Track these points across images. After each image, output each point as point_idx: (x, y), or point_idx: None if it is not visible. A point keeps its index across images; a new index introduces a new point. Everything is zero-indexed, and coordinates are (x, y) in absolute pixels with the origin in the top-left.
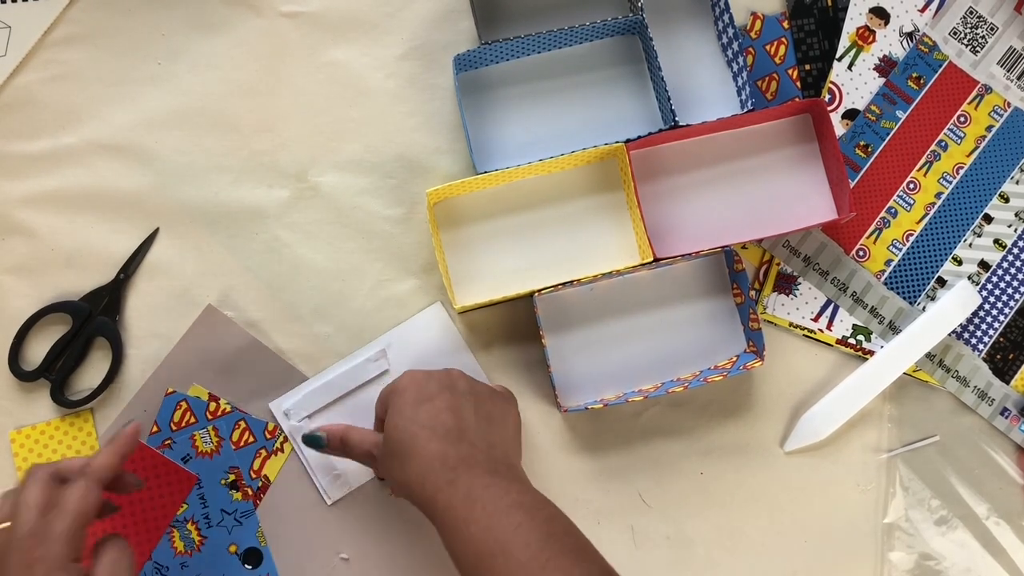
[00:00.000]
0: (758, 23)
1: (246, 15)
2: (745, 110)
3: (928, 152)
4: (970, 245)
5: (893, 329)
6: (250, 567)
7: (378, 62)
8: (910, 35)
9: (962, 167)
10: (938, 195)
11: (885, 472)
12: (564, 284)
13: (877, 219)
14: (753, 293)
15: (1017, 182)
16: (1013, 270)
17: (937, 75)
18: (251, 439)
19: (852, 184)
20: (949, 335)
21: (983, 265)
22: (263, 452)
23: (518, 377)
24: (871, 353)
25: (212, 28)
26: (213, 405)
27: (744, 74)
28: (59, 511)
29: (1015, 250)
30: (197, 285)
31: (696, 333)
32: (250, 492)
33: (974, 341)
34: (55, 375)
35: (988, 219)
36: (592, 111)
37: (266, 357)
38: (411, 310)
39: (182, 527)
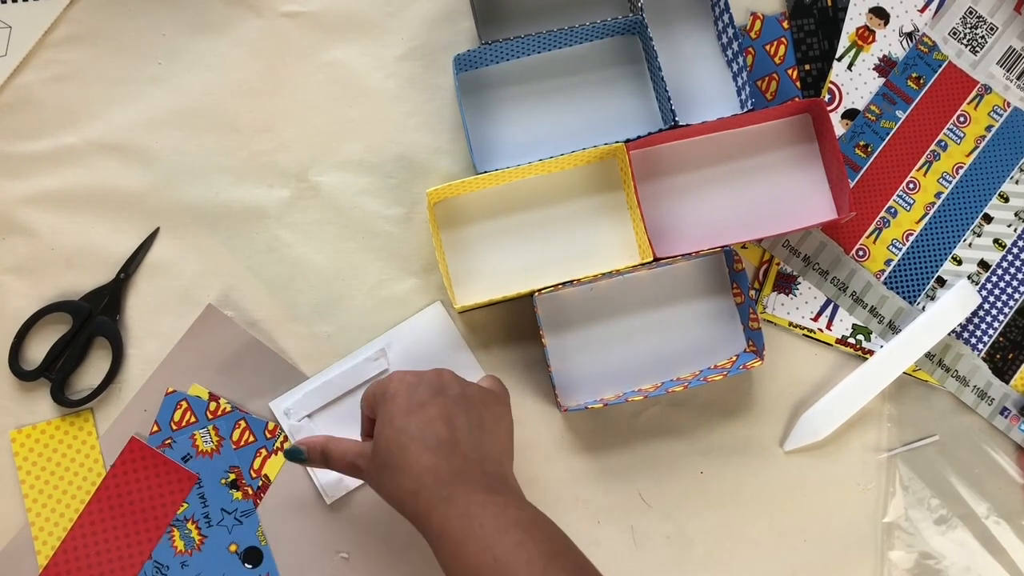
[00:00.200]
0: (758, 23)
1: (246, 15)
2: (745, 110)
3: (928, 152)
4: (970, 245)
5: (893, 329)
6: (250, 566)
7: (378, 62)
8: (910, 35)
9: (962, 167)
10: (938, 195)
11: (885, 471)
12: (564, 284)
13: (877, 219)
14: (753, 293)
15: (1017, 182)
16: (1013, 270)
17: (937, 75)
18: (251, 438)
19: (852, 184)
20: (949, 335)
21: (983, 265)
22: (263, 451)
23: (518, 377)
24: (871, 353)
25: (212, 28)
26: (213, 405)
27: (744, 74)
28: None
29: (1015, 250)
30: (197, 285)
31: (696, 333)
32: (250, 491)
33: (974, 341)
34: (55, 375)
35: (988, 219)
36: (592, 111)
37: (266, 357)
38: (411, 310)
39: (182, 526)
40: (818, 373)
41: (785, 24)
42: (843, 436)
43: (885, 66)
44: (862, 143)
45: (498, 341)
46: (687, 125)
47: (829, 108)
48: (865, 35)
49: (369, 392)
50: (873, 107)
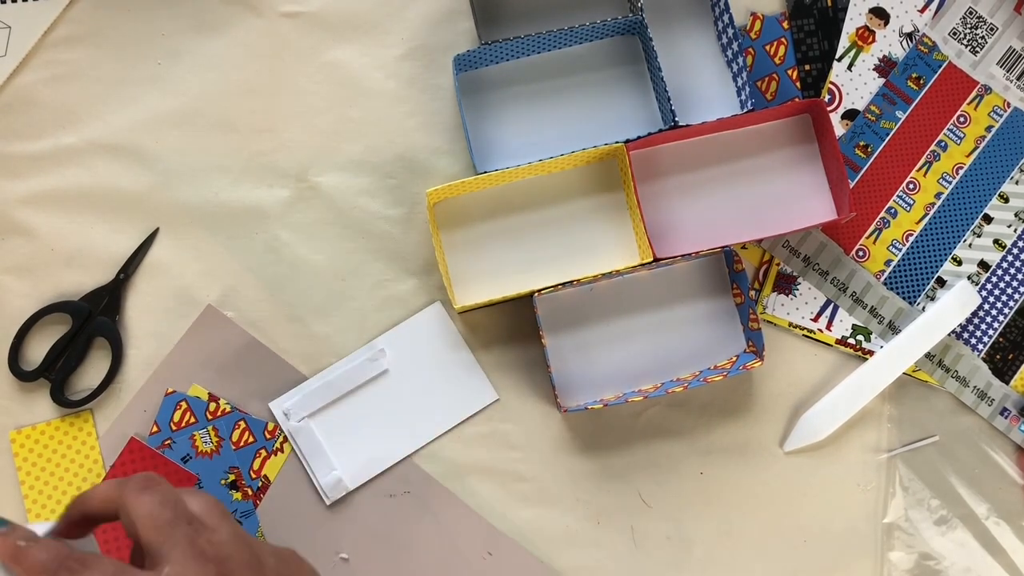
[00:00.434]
0: (758, 23)
1: (246, 15)
2: (745, 110)
3: (928, 152)
4: (970, 245)
5: (893, 329)
6: None
7: (378, 62)
8: (910, 35)
9: (962, 167)
10: (938, 195)
11: (885, 472)
12: (564, 284)
13: (877, 219)
14: (753, 293)
15: (1017, 182)
16: (1013, 270)
17: (937, 75)
18: (251, 439)
19: (852, 184)
20: (949, 335)
21: (983, 265)
22: (263, 452)
23: (518, 377)
24: (871, 353)
25: (212, 28)
26: (213, 405)
27: (744, 74)
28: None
29: (1015, 250)
30: (197, 285)
31: (696, 333)
32: (250, 492)
33: (974, 341)
34: (55, 375)
35: (988, 219)
36: (592, 111)
37: (266, 357)
38: (411, 310)
39: None
40: (818, 373)
41: (785, 24)
42: (843, 436)
43: (885, 66)
44: (862, 143)
45: (498, 341)
46: (687, 125)
47: (829, 108)
48: (865, 35)
49: (161, 518)
50: (873, 107)
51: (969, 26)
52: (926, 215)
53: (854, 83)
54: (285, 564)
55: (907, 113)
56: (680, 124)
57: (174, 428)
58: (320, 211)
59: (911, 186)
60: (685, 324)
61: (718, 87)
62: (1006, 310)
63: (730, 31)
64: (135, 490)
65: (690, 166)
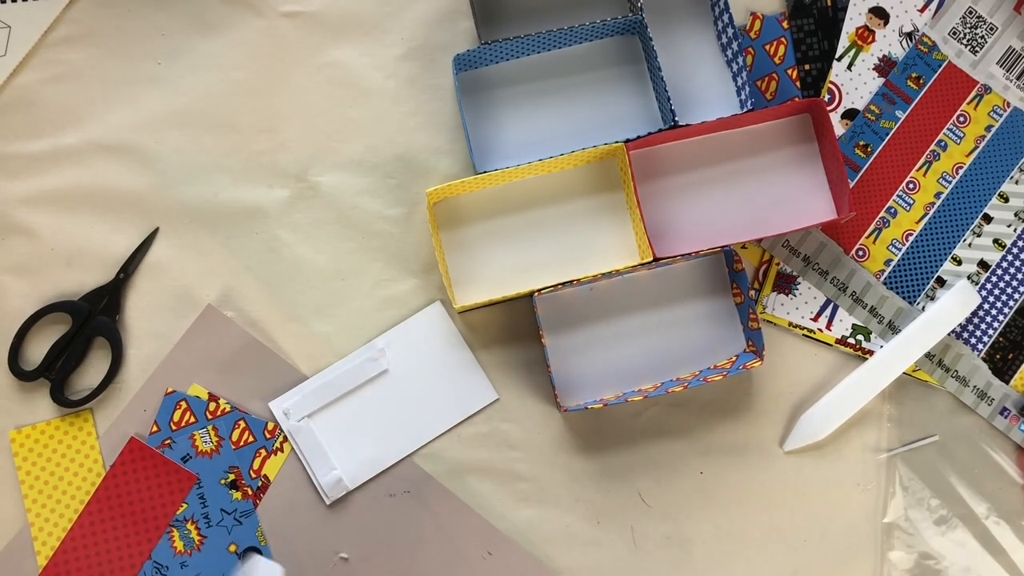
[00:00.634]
0: (758, 23)
1: (246, 15)
2: (745, 110)
3: (928, 152)
4: (969, 245)
5: (892, 329)
6: None
7: (378, 62)
8: (910, 35)
9: (961, 167)
10: (937, 195)
11: (885, 472)
12: (564, 284)
13: (877, 219)
14: (753, 293)
15: (1016, 182)
16: (1012, 270)
17: (936, 75)
18: (251, 439)
19: (852, 184)
20: (949, 335)
21: (982, 265)
22: (263, 452)
23: (518, 377)
24: (871, 353)
25: (212, 28)
26: (213, 405)
27: (744, 74)
28: None
29: (1014, 250)
30: (197, 285)
31: (696, 333)
32: (250, 492)
33: (973, 341)
34: (55, 375)
35: (987, 219)
36: (592, 111)
37: (266, 357)
38: (411, 310)
39: (182, 527)
40: (818, 373)
41: (785, 24)
42: (843, 436)
43: (885, 66)
44: (862, 143)
45: (498, 341)
46: (687, 125)
47: (829, 108)
48: (865, 35)
49: None
50: (873, 107)
51: (969, 26)
52: (926, 215)
53: (854, 83)
54: None
55: (907, 113)
56: (680, 124)
57: (174, 428)
58: (320, 211)
59: (911, 186)
60: (685, 324)
61: (718, 87)
62: (1006, 310)
63: (730, 31)
64: None
65: (690, 166)
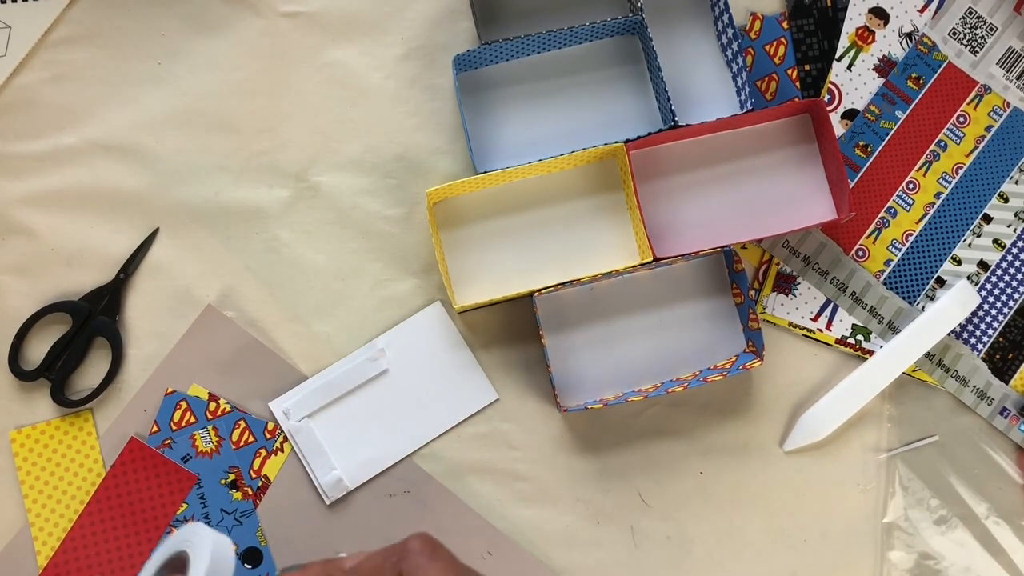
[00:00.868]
0: (757, 23)
1: (246, 15)
2: (745, 110)
3: (927, 152)
4: (969, 245)
5: (892, 329)
6: (250, 567)
7: (378, 62)
8: (909, 35)
9: (961, 167)
10: (937, 195)
11: (884, 472)
12: (564, 284)
13: (876, 219)
14: (752, 293)
15: (1016, 182)
16: (1012, 270)
17: (936, 75)
18: (251, 439)
19: (852, 184)
20: (948, 335)
21: (982, 265)
22: (263, 452)
23: (518, 377)
24: (870, 353)
25: (212, 28)
26: (213, 405)
27: (744, 74)
28: None
29: (1014, 250)
30: (197, 285)
31: (696, 333)
32: (250, 492)
33: (973, 341)
34: (55, 375)
35: (987, 219)
36: (592, 111)
37: (266, 357)
38: (411, 310)
39: (182, 527)
40: (818, 373)
41: (785, 24)
42: (843, 436)
43: (885, 66)
44: (862, 143)
45: (498, 341)
46: (687, 125)
47: (829, 108)
48: (865, 35)
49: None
50: (873, 107)
51: (969, 26)
52: (926, 215)
53: (854, 83)
54: None
55: (907, 113)
56: (680, 124)
57: (174, 428)
58: (320, 211)
59: (911, 186)
60: (685, 324)
61: (718, 87)
62: (1005, 310)
63: (730, 31)
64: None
65: (690, 166)
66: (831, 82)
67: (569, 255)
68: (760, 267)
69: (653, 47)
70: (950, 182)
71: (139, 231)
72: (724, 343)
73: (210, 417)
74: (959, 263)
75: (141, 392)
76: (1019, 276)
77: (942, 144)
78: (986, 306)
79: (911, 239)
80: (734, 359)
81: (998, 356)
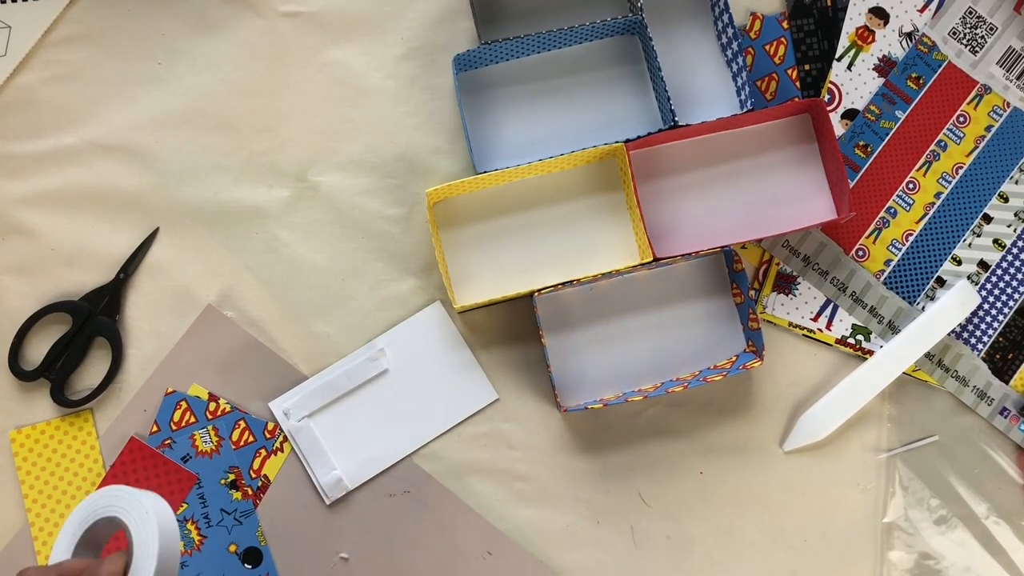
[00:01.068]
0: (757, 23)
1: (246, 15)
2: (745, 110)
3: (927, 152)
4: (969, 245)
5: (892, 329)
6: (250, 566)
7: (378, 62)
8: (909, 35)
9: (961, 167)
10: (937, 195)
11: (884, 472)
12: (564, 284)
13: (876, 219)
14: (752, 293)
15: (1016, 182)
16: (1012, 270)
17: (936, 75)
18: (251, 439)
19: (852, 184)
20: (948, 335)
21: (982, 265)
22: (263, 452)
23: (518, 377)
24: (870, 353)
25: (212, 28)
26: (213, 405)
27: (744, 74)
28: None
29: (1014, 250)
30: (197, 285)
31: (696, 333)
32: (250, 492)
33: (973, 341)
34: (55, 375)
35: (987, 219)
36: (592, 111)
37: (266, 357)
38: (411, 310)
39: (182, 527)
40: (818, 373)
41: (785, 24)
42: (843, 436)
43: (885, 66)
44: (862, 143)
45: (498, 341)
46: (687, 125)
47: (829, 108)
48: (865, 35)
49: None
50: (873, 107)
51: (969, 26)
52: (926, 215)
53: (854, 83)
54: None
55: (907, 113)
56: (680, 124)
57: (174, 428)
58: (320, 211)
59: (911, 186)
60: (685, 324)
61: (718, 87)
62: (1006, 310)
63: (730, 31)
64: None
65: (690, 166)
66: (831, 82)
67: (569, 255)
68: (760, 267)
69: (653, 47)
70: (950, 182)
71: (139, 231)
72: (724, 343)
73: (210, 417)
74: (959, 263)
75: (141, 392)
76: (1019, 276)
77: (942, 144)
78: (986, 306)
79: (911, 239)
80: (734, 359)
81: (998, 356)
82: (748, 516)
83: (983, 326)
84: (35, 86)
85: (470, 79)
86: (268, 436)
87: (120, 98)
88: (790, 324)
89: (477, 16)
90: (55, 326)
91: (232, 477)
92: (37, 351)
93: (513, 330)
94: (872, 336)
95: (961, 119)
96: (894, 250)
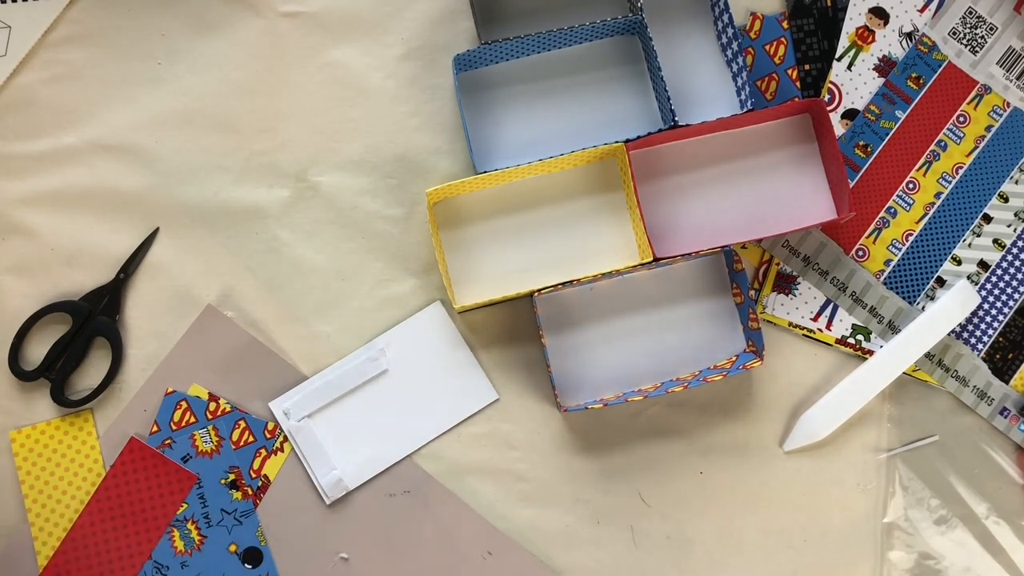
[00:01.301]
0: (757, 23)
1: (246, 15)
2: (745, 110)
3: (927, 152)
4: (969, 245)
5: (892, 329)
6: (250, 566)
7: (378, 62)
8: (909, 35)
9: (961, 167)
10: (937, 195)
11: (885, 472)
12: (564, 284)
13: (876, 219)
14: (752, 293)
15: (1016, 182)
16: (1012, 270)
17: (936, 75)
18: (251, 439)
19: (852, 184)
20: (948, 335)
21: (982, 265)
22: (263, 452)
23: (518, 377)
24: (870, 353)
25: (212, 28)
26: (213, 405)
27: (744, 74)
28: None
29: (1014, 250)
30: (197, 285)
31: (696, 333)
32: (250, 492)
33: (973, 341)
34: (55, 375)
35: (987, 219)
36: (592, 111)
37: (266, 357)
38: (411, 310)
39: (182, 527)
40: (818, 373)
41: (785, 24)
42: (843, 436)
43: (885, 66)
44: (862, 143)
45: (498, 341)
46: (687, 125)
47: (829, 108)
48: (865, 35)
49: None
50: (873, 107)
51: (969, 26)
52: (926, 215)
53: (854, 83)
54: None
55: (907, 113)
56: (680, 124)
57: (174, 428)
58: (320, 211)
59: (911, 186)
60: (685, 324)
61: (718, 87)
62: (1006, 310)
63: (730, 31)
64: None
65: (690, 166)
66: (831, 82)
67: (569, 255)
68: (760, 267)
69: (653, 47)
70: (950, 182)
71: (139, 231)
72: (724, 343)
73: (210, 417)
74: (959, 263)
75: (141, 392)
76: (1019, 276)
77: (942, 144)
78: (986, 306)
79: (911, 239)
80: (734, 359)
81: (998, 356)
82: (748, 516)
83: (983, 326)
84: (35, 86)
85: (470, 79)
86: (268, 436)
87: (120, 98)
88: (790, 324)
89: (477, 16)
90: (55, 326)
91: (232, 477)
92: (37, 351)
93: (513, 330)
94: (872, 336)
95: (961, 119)
96: (894, 250)
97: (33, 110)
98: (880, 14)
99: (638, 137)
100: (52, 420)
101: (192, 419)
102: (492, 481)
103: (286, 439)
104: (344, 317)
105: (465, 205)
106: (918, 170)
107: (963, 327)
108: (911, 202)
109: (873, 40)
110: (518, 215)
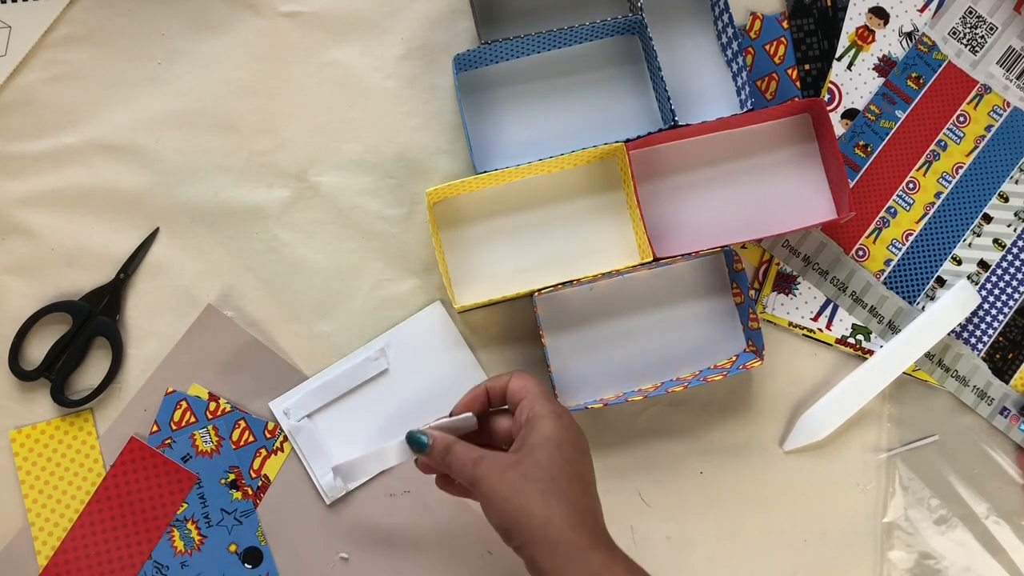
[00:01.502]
0: (757, 23)
1: (246, 15)
2: (745, 110)
3: (927, 152)
4: (969, 245)
5: (892, 329)
6: (250, 566)
7: (378, 62)
8: (909, 35)
9: (961, 167)
10: (937, 195)
11: (885, 471)
12: (564, 284)
13: (876, 219)
14: (752, 293)
15: (1016, 182)
16: (1012, 270)
17: (936, 75)
18: (251, 438)
19: (852, 184)
20: (948, 335)
21: (982, 265)
22: (263, 451)
23: None
24: (870, 353)
25: (212, 28)
26: (213, 405)
27: (744, 74)
28: None
29: (1014, 250)
30: (197, 285)
31: (696, 333)
32: (250, 491)
33: (973, 340)
34: (55, 375)
35: (987, 219)
36: (592, 111)
37: (266, 357)
38: (411, 310)
39: (182, 526)
40: (818, 373)
41: (785, 24)
42: (843, 436)
43: (885, 66)
44: (862, 143)
45: (498, 341)
46: (687, 125)
47: (829, 108)
48: (865, 35)
49: (527, 403)
50: (873, 107)
51: (969, 26)
52: (926, 215)
53: (854, 83)
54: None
55: (907, 113)
56: (680, 124)
57: (174, 427)
58: (320, 211)
59: (911, 186)
60: (685, 324)
61: (718, 87)
62: (1006, 309)
63: (730, 31)
64: (519, 375)
65: (690, 166)
66: (831, 82)
67: (569, 255)
68: (760, 267)
69: (653, 47)
70: (950, 182)
71: (139, 231)
72: (724, 343)
73: (210, 417)
74: (959, 263)
75: (141, 392)
76: (1019, 276)
77: (942, 144)
78: (986, 306)
79: (911, 239)
80: (734, 359)
81: (998, 356)
82: (748, 516)
83: (983, 326)
84: (35, 86)
85: (470, 79)
86: (268, 436)
87: (120, 98)
88: (790, 324)
89: (477, 16)
90: (55, 326)
91: (232, 477)
92: (37, 351)
93: (513, 330)
94: (872, 336)
95: (961, 119)
96: (894, 250)
97: (33, 110)
98: (880, 14)
99: (638, 137)
100: (52, 420)
101: (192, 419)
102: None
103: (286, 439)
104: (344, 317)
105: (465, 205)
106: (918, 170)
107: (963, 327)
108: (911, 202)
109: (873, 40)
110: (518, 215)
